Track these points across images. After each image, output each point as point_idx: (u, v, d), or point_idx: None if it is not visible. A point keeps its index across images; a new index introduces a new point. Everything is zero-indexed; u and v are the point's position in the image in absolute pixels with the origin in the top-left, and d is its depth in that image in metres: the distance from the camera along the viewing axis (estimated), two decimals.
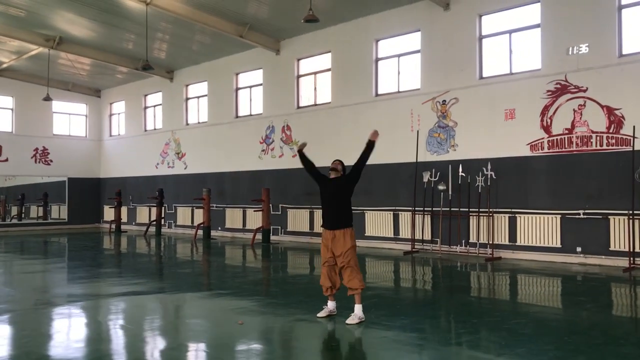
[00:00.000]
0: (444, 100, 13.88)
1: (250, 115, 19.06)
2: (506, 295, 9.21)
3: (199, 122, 21.01)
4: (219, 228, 19.55)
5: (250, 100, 19.14)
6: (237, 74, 19.51)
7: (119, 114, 25.00)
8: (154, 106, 23.09)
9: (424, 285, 10.33)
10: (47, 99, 20.39)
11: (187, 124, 21.46)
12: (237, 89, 19.55)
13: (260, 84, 18.60)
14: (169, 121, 22.11)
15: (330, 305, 6.81)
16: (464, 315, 7.10)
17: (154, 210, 21.75)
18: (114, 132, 25.32)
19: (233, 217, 19.35)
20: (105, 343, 5.94)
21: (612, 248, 11.22)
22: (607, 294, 9.00)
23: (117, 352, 5.60)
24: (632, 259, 10.65)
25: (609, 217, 11.27)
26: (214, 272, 12.03)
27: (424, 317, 6.99)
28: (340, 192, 6.80)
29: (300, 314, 7.10)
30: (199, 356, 5.54)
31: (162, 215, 20.83)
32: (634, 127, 10.89)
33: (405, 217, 14.40)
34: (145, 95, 23.41)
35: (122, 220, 22.59)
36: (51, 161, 24.12)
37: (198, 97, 21.07)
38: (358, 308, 6.51)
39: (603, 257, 11.34)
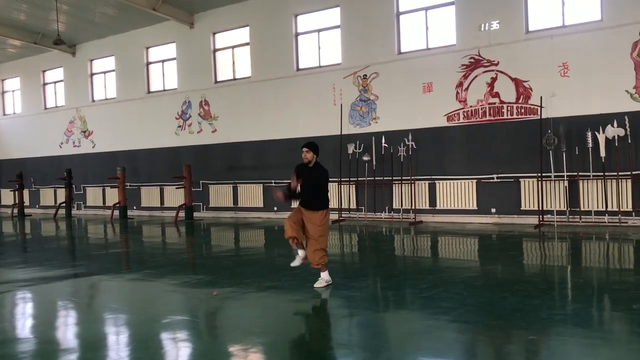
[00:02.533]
0: (365, 75, 14.43)
1: (164, 90, 18.63)
2: (429, 253, 10.00)
3: (106, 99, 20.20)
4: (134, 207, 19.08)
5: (163, 75, 18.68)
6: (147, 48, 18.93)
7: (13, 91, 23.36)
8: (55, 82, 21.83)
9: (356, 249, 10.91)
10: None
11: (93, 101, 20.56)
12: (148, 63, 18.99)
13: (174, 59, 18.20)
14: (72, 98, 21.04)
15: (302, 253, 6.96)
16: (400, 276, 7.71)
17: (60, 191, 20.76)
18: (8, 111, 23.65)
19: (149, 195, 18.95)
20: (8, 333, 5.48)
21: (523, 208, 12.41)
22: (526, 247, 10.03)
23: (23, 339, 5.26)
24: (541, 216, 11.86)
25: (520, 180, 12.43)
26: (145, 251, 11.86)
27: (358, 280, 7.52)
28: (315, 181, 6.87)
29: (267, 281, 7.35)
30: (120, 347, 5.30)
31: (71, 197, 19.94)
32: (540, 97, 12.01)
33: (332, 187, 14.90)
34: (44, 71, 22.04)
35: (24, 204, 21.32)
36: None
37: (105, 73, 20.21)
38: (324, 274, 6.84)
39: (515, 216, 12.51)
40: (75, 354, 4.71)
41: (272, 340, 4.94)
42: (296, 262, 7.02)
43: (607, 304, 5.73)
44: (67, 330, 5.59)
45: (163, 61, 18.65)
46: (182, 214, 16.63)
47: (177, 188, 17.02)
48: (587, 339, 4.59)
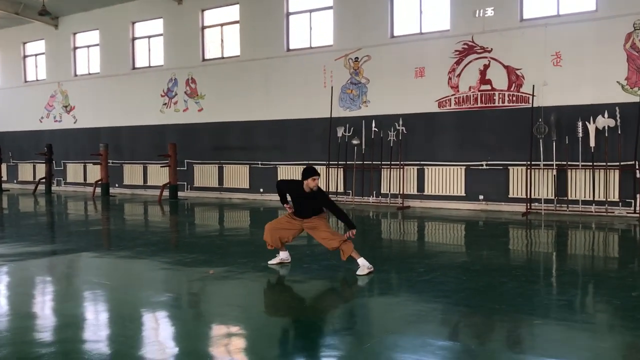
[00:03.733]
0: (357, 58, 14.32)
1: (150, 67, 18.30)
2: (420, 238, 10.04)
3: (89, 74, 19.78)
4: (116, 185, 18.79)
5: (149, 51, 18.33)
6: (133, 23, 18.54)
7: None
8: (36, 55, 21.28)
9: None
10: None
11: (76, 75, 20.11)
12: (134, 38, 18.61)
13: (161, 34, 17.85)
14: (54, 72, 20.55)
15: (283, 254, 6.96)
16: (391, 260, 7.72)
17: (39, 167, 20.34)
18: None
19: (132, 173, 18.68)
20: None
21: (510, 195, 12.50)
22: (516, 234, 10.11)
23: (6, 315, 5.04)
24: (529, 204, 11.97)
25: (509, 167, 12.50)
26: (134, 229, 11.70)
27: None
28: (319, 205, 6.63)
29: (262, 261, 7.29)
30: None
31: (51, 173, 19.55)
32: (533, 86, 12.06)
33: (319, 170, 14.79)
34: (25, 43, 21.47)
35: (2, 179, 20.84)
36: None
37: (88, 47, 19.76)
38: (361, 261, 6.37)
39: (503, 203, 12.60)
40: (66, 331, 4.61)
41: (272, 321, 4.89)
42: (273, 261, 6.96)
43: (606, 291, 5.78)
44: (55, 307, 5.46)
45: (149, 37, 18.28)
46: (165, 193, 16.42)
47: (161, 166, 16.79)
48: (592, 325, 4.64)
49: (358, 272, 6.28)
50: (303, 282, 6.29)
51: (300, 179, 6.54)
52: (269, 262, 6.91)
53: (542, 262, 7.61)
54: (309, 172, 6.46)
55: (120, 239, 9.80)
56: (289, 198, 6.86)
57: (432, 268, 6.77)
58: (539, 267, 7.23)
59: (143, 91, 18.18)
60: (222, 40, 16.77)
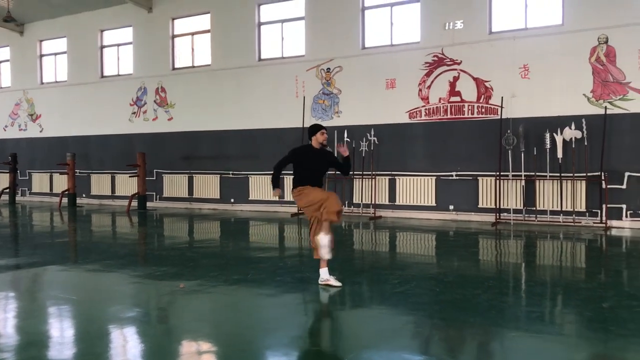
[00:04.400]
0: (329, 68, 14.35)
1: (119, 75, 18.03)
2: (393, 248, 10.07)
3: (56, 82, 19.39)
4: (84, 195, 18.42)
5: (118, 59, 18.07)
6: (102, 31, 18.25)
7: None
8: (0, 62, 20.76)
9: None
10: None
11: (42, 83, 19.70)
12: (102, 46, 18.32)
13: (130, 43, 17.62)
14: (19, 79, 20.10)
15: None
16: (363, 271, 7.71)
17: (3, 176, 19.81)
18: None
19: (100, 183, 18.33)
20: None
21: (480, 205, 12.63)
22: (487, 244, 10.21)
23: None
24: (498, 215, 12.11)
25: (478, 178, 12.64)
26: (101, 241, 11.45)
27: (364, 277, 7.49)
28: (326, 164, 6.72)
29: (235, 275, 7.19)
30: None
31: (16, 182, 19.06)
32: (502, 97, 12.24)
33: (290, 181, 14.69)
34: None
35: None
36: None
37: (55, 54, 19.38)
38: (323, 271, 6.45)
39: (473, 213, 12.72)
40: (30, 350, 4.45)
41: (245, 337, 4.81)
42: (327, 255, 6.40)
43: (577, 302, 5.86)
44: (18, 325, 5.28)
45: (118, 45, 18.03)
46: (134, 203, 16.15)
47: (130, 176, 16.51)
48: (566, 337, 4.68)
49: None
50: (275, 296, 6.21)
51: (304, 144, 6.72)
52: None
53: (513, 274, 7.68)
54: (317, 126, 6.76)
55: (88, 252, 9.57)
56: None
57: (406, 279, 6.77)
58: (511, 278, 7.30)
59: (112, 100, 17.89)
60: (192, 49, 16.63)
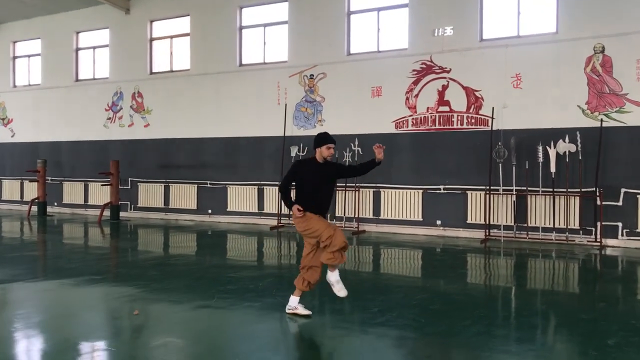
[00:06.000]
0: (312, 75, 13.72)
1: (94, 79, 17.28)
2: (375, 268, 9.40)
3: (29, 85, 18.59)
4: (55, 204, 17.59)
5: (94, 62, 17.33)
6: (77, 33, 17.52)
7: None
8: None
9: (295, 261, 10.16)
10: None
11: (15, 86, 18.88)
12: (78, 49, 17.58)
13: (106, 45, 16.90)
14: None
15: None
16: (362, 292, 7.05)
17: None
18: None
19: (73, 191, 17.51)
20: None
21: (469, 221, 12.01)
22: (475, 263, 9.57)
23: None
24: (487, 231, 11.50)
25: (467, 192, 12.03)
26: (71, 254, 10.68)
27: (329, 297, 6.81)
28: (332, 180, 5.78)
29: (199, 299, 6.48)
30: None
31: None
32: (492, 108, 11.67)
33: (270, 192, 14.09)
34: None
35: None
36: None
37: (29, 56, 18.59)
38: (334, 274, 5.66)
39: (461, 229, 12.10)
40: None
41: None
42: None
43: (580, 338, 5.22)
44: None
45: (94, 48, 17.29)
46: (107, 213, 15.36)
47: (102, 185, 15.73)
48: None
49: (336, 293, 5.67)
50: (240, 326, 5.51)
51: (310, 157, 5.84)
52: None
53: (505, 301, 7.03)
54: (324, 138, 5.71)
55: (48, 268, 8.81)
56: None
57: (388, 307, 6.10)
58: (503, 306, 6.65)
59: (86, 104, 17.14)
60: (171, 53, 15.92)
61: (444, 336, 5.11)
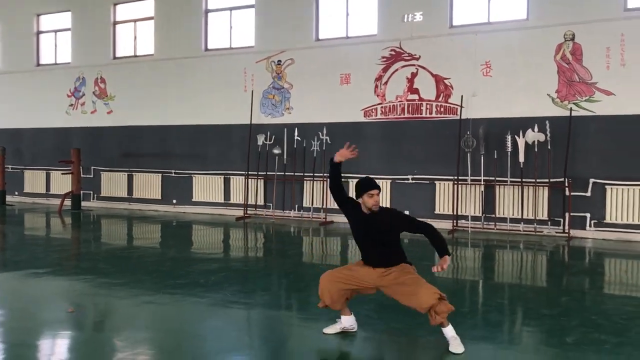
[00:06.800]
0: (279, 61, 13.33)
1: (56, 64, 16.67)
2: (341, 260, 9.13)
3: None
4: (16, 193, 16.99)
5: (56, 46, 16.72)
6: (38, 15, 16.86)
7: None
8: None
9: (266, 253, 9.87)
10: None
11: None
12: (39, 32, 16.93)
13: (68, 29, 16.29)
14: None
15: (347, 320, 4.80)
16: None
17: None
18: None
19: (34, 180, 16.90)
20: None
21: (437, 212, 11.78)
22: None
23: None
24: (455, 222, 11.29)
25: (435, 182, 11.79)
26: (22, 245, 10.20)
27: (283, 290, 6.51)
28: (386, 234, 4.70)
29: (144, 295, 6.12)
30: None
31: None
32: (461, 96, 11.41)
33: (237, 182, 13.71)
34: None
35: None
36: None
37: None
38: (449, 332, 4.48)
39: (429, 220, 11.72)
40: None
41: None
42: (330, 329, 4.82)
43: (540, 335, 4.99)
44: None
45: (56, 31, 16.67)
46: (68, 203, 14.84)
47: (63, 174, 15.19)
48: None
49: (452, 350, 4.37)
50: (187, 323, 5.18)
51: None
52: (325, 330, 4.81)
53: (470, 294, 6.78)
54: (364, 186, 4.65)
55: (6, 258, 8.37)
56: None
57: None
58: (462, 302, 6.38)
59: (48, 90, 16.51)
60: (135, 38, 15.39)
61: (395, 332, 4.84)
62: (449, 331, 4.45)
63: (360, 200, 4.67)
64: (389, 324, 5.17)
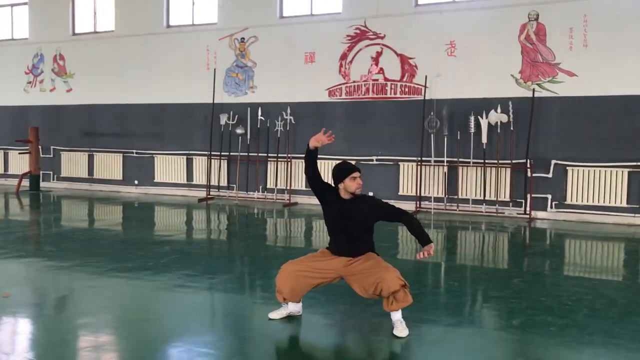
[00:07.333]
0: (243, 38, 13.02)
1: (12, 39, 16.09)
2: (305, 242, 9.00)
3: None
4: None
5: (12, 22, 16.12)
6: None
7: None
8: None
9: (224, 235, 9.68)
10: None
11: None
12: None
13: (25, 3, 15.70)
14: None
15: (293, 306, 4.65)
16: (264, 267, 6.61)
17: None
18: None
19: None
20: None
21: (400, 193, 11.69)
22: (402, 237, 9.26)
23: None
24: (418, 203, 11.22)
25: (399, 163, 11.70)
26: None
27: (233, 274, 6.35)
28: (364, 221, 4.54)
29: (86, 279, 5.90)
30: None
31: None
32: (425, 76, 11.28)
33: (199, 162, 13.44)
34: None
35: None
36: None
37: None
38: (397, 316, 4.39)
39: (392, 201, 11.69)
40: None
41: None
42: (275, 314, 4.66)
43: (484, 318, 4.92)
44: None
45: (12, 5, 16.06)
46: (27, 183, 14.41)
47: (20, 153, 14.74)
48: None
49: (396, 333, 4.30)
50: (126, 308, 4.99)
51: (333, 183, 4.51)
52: (271, 315, 4.65)
53: (423, 276, 6.69)
54: (346, 170, 4.46)
55: None
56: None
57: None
58: (415, 284, 6.30)
59: (4, 67, 15.97)
60: (95, 13, 14.89)
61: (343, 317, 4.72)
62: (396, 314, 4.36)
63: (341, 186, 4.48)
64: (335, 306, 5.05)
